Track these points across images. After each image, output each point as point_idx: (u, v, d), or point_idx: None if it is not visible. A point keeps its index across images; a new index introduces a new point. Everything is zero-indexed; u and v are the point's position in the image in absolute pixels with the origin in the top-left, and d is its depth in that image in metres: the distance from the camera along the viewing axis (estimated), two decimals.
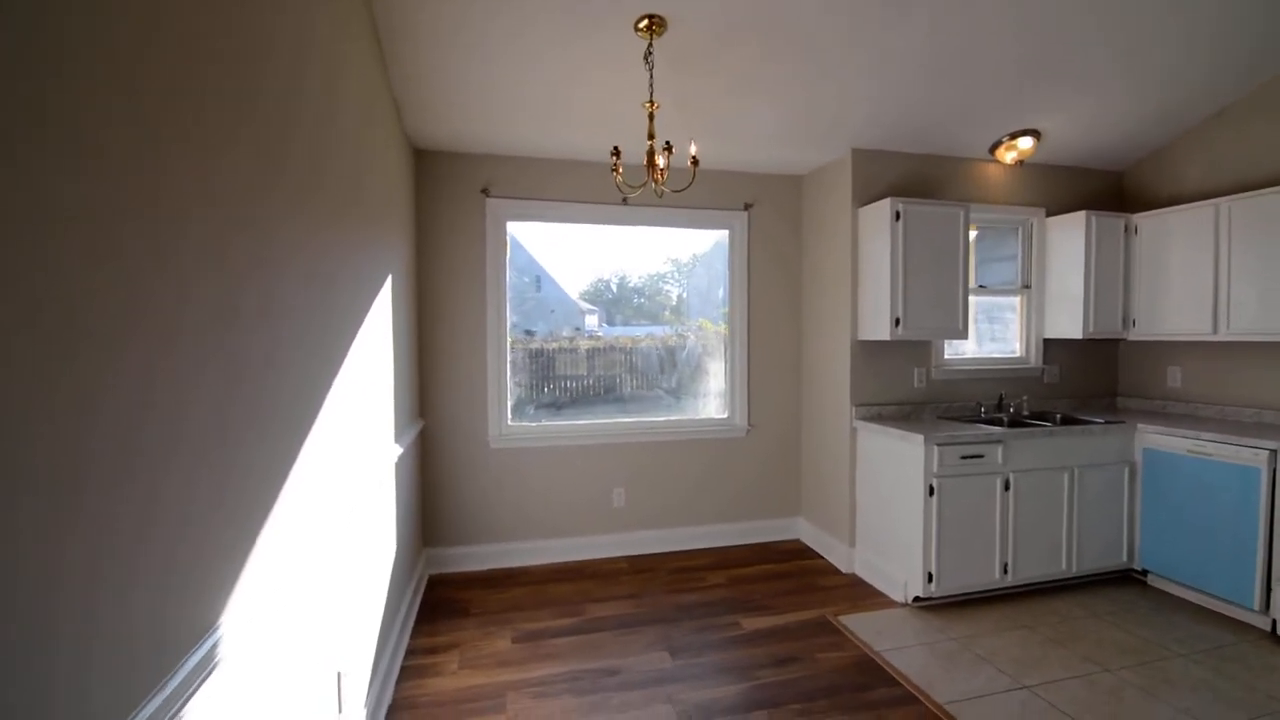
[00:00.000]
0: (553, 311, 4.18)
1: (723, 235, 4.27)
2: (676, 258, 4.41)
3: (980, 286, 4.07)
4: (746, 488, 4.30)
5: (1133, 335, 3.87)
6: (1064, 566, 3.48)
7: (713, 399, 4.33)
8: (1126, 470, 3.57)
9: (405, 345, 3.23)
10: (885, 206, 3.52)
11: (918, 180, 3.84)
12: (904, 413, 3.85)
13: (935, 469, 3.24)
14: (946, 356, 4.00)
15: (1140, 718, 2.41)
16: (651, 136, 2.58)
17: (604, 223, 4.03)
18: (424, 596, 3.48)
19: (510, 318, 3.92)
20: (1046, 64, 3.03)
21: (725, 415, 4.30)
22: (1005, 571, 3.37)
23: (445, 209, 3.75)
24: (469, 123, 3.32)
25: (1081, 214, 3.82)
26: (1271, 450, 2.97)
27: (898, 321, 3.50)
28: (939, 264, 3.56)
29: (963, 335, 3.63)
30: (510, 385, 3.94)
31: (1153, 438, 3.49)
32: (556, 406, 4.10)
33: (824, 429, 4.09)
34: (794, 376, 4.36)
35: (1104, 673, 2.72)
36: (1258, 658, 2.84)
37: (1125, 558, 3.59)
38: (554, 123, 3.34)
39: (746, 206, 4.21)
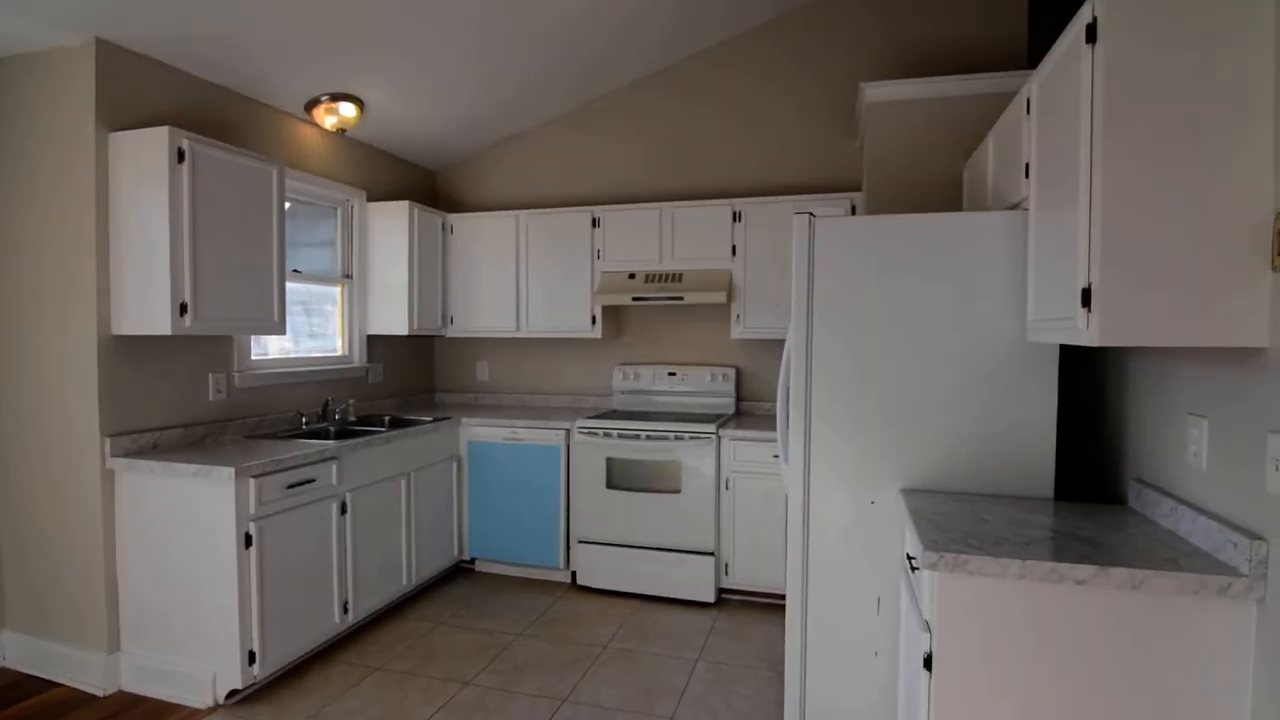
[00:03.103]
0: None
1: None
2: None
3: (295, 271, 3.35)
4: None
5: (451, 332, 3.94)
6: (405, 582, 3.16)
7: None
8: (454, 465, 3.55)
9: None
10: (161, 138, 2.34)
11: (212, 119, 2.79)
12: (195, 437, 2.73)
13: (253, 510, 2.32)
14: (254, 358, 3.10)
15: None
16: None
17: None
18: None
19: None
20: (366, 21, 2.62)
21: None
22: (346, 611, 2.77)
23: None
24: None
25: (405, 204, 3.61)
26: (566, 430, 3.44)
27: (184, 308, 2.39)
28: (246, 235, 2.64)
29: (279, 330, 2.82)
30: None
31: (475, 430, 3.58)
32: None
33: (48, 479, 2.48)
34: None
35: (465, 688, 2.48)
36: (569, 608, 3.22)
37: (457, 552, 3.58)
38: None
39: None
